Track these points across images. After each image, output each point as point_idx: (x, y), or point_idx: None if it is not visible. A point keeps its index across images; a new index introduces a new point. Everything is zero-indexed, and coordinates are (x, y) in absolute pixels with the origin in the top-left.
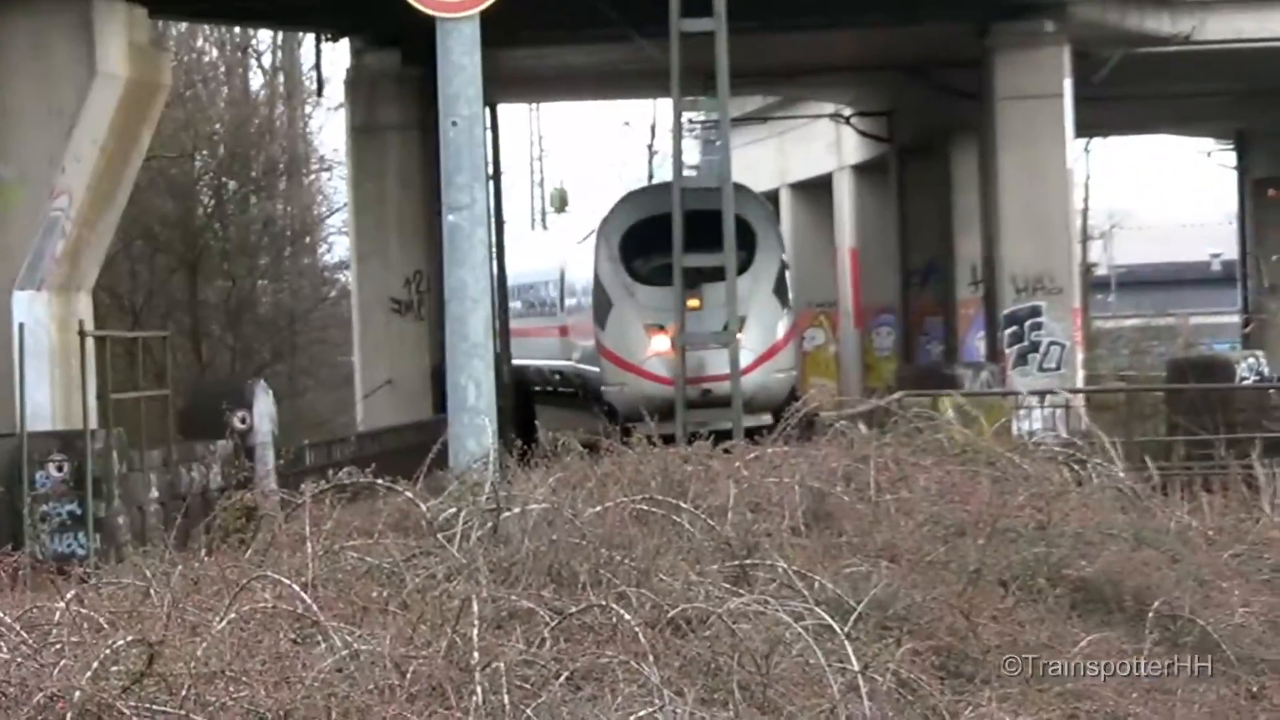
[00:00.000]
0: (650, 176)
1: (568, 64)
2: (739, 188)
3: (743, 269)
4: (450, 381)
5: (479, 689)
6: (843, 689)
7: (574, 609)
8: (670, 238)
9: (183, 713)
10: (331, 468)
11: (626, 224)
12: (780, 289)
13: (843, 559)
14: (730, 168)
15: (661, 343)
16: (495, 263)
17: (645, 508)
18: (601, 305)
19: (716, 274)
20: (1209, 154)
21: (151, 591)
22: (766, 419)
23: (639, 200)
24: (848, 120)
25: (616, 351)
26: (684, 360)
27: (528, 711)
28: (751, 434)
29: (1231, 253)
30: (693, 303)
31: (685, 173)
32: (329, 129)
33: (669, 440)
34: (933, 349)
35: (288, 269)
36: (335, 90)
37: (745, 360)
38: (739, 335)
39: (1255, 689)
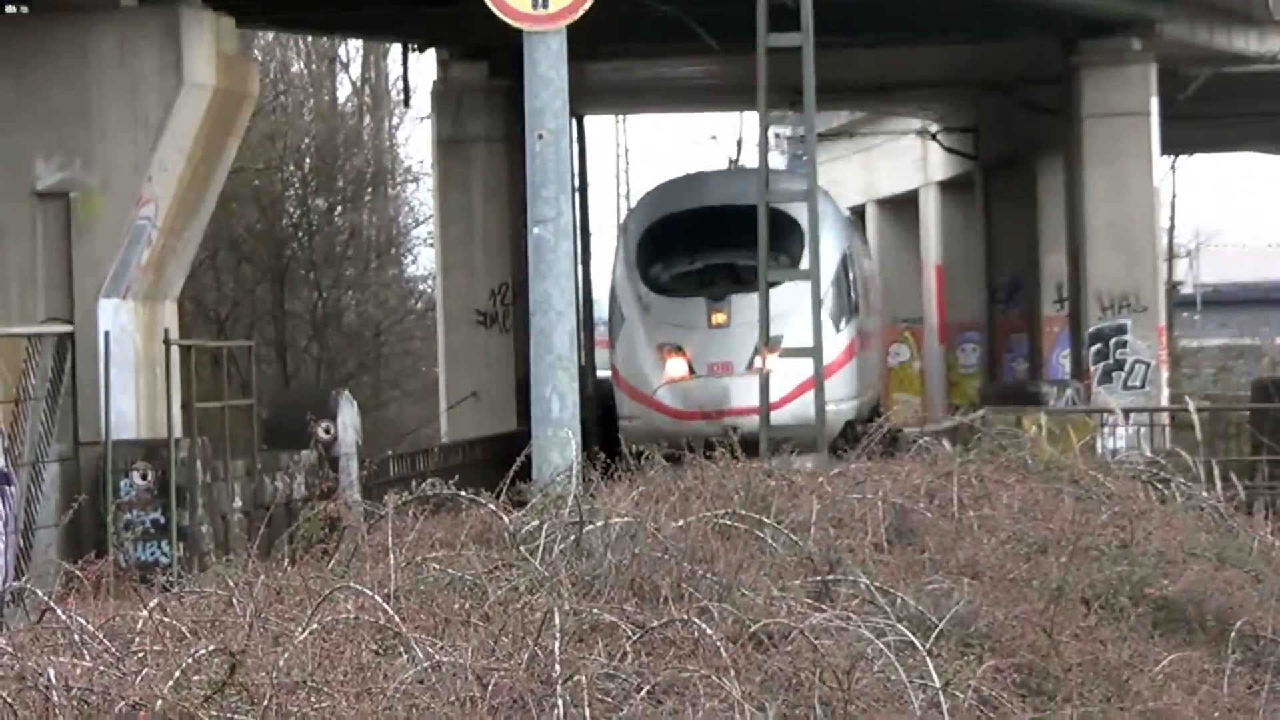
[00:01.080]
0: None
1: (654, 77)
2: (786, 176)
3: (784, 278)
4: (534, 394)
5: (560, 702)
6: (924, 705)
7: (656, 623)
8: (699, 238)
9: None
10: (415, 479)
11: (647, 221)
12: (841, 300)
13: (925, 575)
14: (816, 182)
15: (677, 367)
16: (580, 275)
17: (728, 522)
18: (615, 320)
19: (748, 280)
20: None
21: (234, 601)
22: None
23: (666, 193)
24: (934, 136)
25: (628, 377)
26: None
27: None
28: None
29: None
30: (718, 317)
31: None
32: (415, 140)
33: (673, 460)
34: (1017, 366)
35: (373, 280)
36: (422, 101)
37: (779, 391)
38: (771, 358)
39: None
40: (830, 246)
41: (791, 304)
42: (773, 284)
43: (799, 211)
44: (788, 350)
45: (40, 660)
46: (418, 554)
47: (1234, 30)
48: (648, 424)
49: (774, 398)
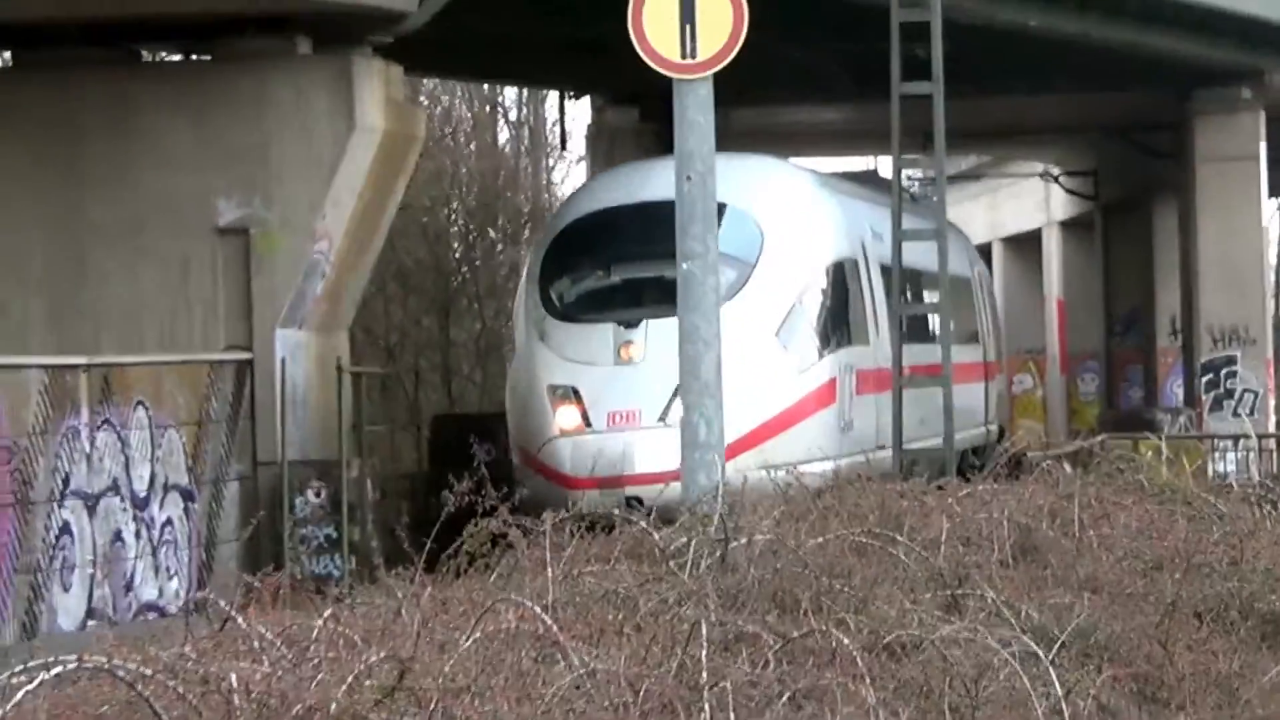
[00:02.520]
0: None
1: (795, 122)
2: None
3: (728, 292)
4: (684, 419)
5: (707, 707)
6: (1046, 713)
7: (797, 633)
8: (623, 245)
9: None
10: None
11: (562, 223)
12: (812, 324)
13: (1047, 590)
14: (945, 221)
15: (568, 417)
16: None
17: (864, 539)
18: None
19: (667, 300)
20: None
21: (403, 611)
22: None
23: (594, 188)
24: (1055, 179)
25: (514, 429)
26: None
27: None
28: None
29: None
30: (628, 350)
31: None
32: (571, 180)
33: (594, 528)
34: (1133, 394)
35: None
36: (577, 144)
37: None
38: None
39: None
40: (806, 243)
41: (731, 328)
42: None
43: (757, 198)
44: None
45: (222, 665)
46: (574, 568)
47: None
48: (535, 491)
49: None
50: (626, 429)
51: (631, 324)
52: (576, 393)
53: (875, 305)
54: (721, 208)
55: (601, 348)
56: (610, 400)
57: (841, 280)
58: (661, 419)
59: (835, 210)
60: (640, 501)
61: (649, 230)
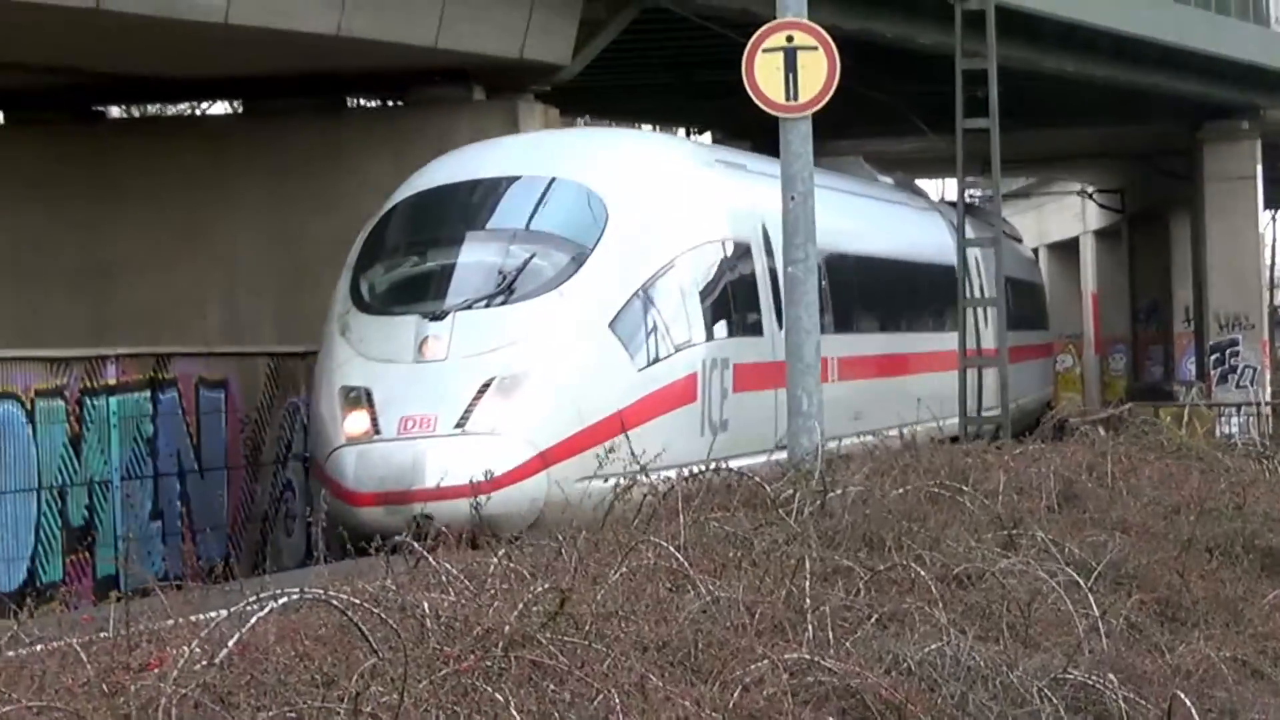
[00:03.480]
0: None
1: (877, 150)
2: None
3: (547, 281)
4: (790, 393)
5: (810, 627)
6: (1086, 630)
7: (882, 567)
8: (446, 230)
9: (586, 643)
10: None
11: (389, 205)
12: (670, 311)
13: (1086, 530)
14: (1001, 232)
15: (357, 423)
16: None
17: (936, 490)
18: None
19: (490, 291)
20: None
21: (562, 551)
22: None
23: (432, 168)
24: (1090, 196)
25: (310, 437)
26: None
27: (846, 644)
28: None
29: None
30: (431, 346)
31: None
32: None
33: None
34: (1155, 371)
35: None
36: None
37: (507, 460)
38: (502, 407)
39: None
40: (643, 224)
41: (528, 327)
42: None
43: (580, 169)
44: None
45: (416, 596)
46: (701, 515)
47: None
48: (329, 507)
49: (509, 465)
50: (419, 436)
51: (437, 316)
52: (369, 395)
53: (770, 292)
54: (553, 183)
55: (402, 344)
56: (404, 404)
57: (724, 266)
58: (460, 425)
59: (720, 190)
60: (431, 520)
61: (474, 212)
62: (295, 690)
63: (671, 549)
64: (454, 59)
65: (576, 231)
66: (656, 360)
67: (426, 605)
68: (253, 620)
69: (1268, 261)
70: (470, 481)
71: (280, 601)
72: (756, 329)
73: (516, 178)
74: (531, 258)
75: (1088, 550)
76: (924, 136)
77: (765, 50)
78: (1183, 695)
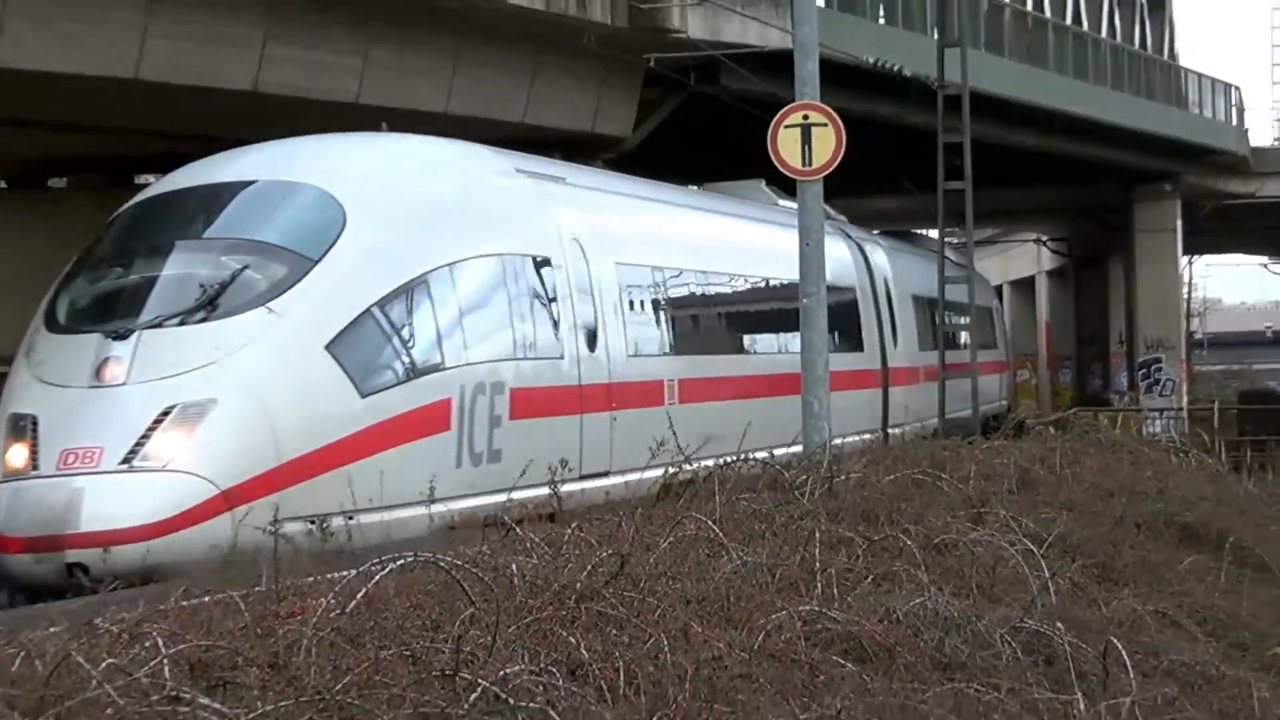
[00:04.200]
0: None
1: (873, 208)
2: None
3: (255, 297)
4: (804, 400)
5: (819, 585)
6: (1039, 588)
7: (876, 538)
8: (158, 241)
9: (640, 597)
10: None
11: (110, 218)
12: (418, 330)
13: (1039, 509)
14: (974, 271)
15: (17, 456)
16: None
17: (920, 476)
18: None
19: (186, 308)
20: (1264, 265)
21: (621, 524)
22: None
23: (169, 177)
24: (1044, 243)
25: None
26: None
27: (848, 599)
28: None
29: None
30: (110, 368)
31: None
32: None
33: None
34: (1095, 383)
35: None
36: None
37: (181, 500)
38: (166, 446)
39: None
40: (387, 241)
41: (225, 349)
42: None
43: (318, 173)
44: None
45: (506, 559)
46: (734, 495)
47: (1230, 179)
48: None
49: (183, 506)
50: (78, 473)
51: (121, 335)
52: (35, 424)
53: (574, 312)
54: (291, 189)
55: (79, 366)
56: (69, 435)
57: (505, 282)
58: (127, 460)
59: (515, 200)
60: (86, 571)
61: (191, 220)
62: (410, 634)
63: (709, 522)
64: (538, 132)
65: (302, 241)
66: (393, 385)
67: (515, 567)
68: (376, 578)
69: (1185, 296)
70: (133, 526)
71: (398, 563)
72: (552, 350)
73: (252, 182)
74: (243, 270)
75: (1040, 525)
76: (912, 195)
77: (786, 126)
78: (1115, 640)
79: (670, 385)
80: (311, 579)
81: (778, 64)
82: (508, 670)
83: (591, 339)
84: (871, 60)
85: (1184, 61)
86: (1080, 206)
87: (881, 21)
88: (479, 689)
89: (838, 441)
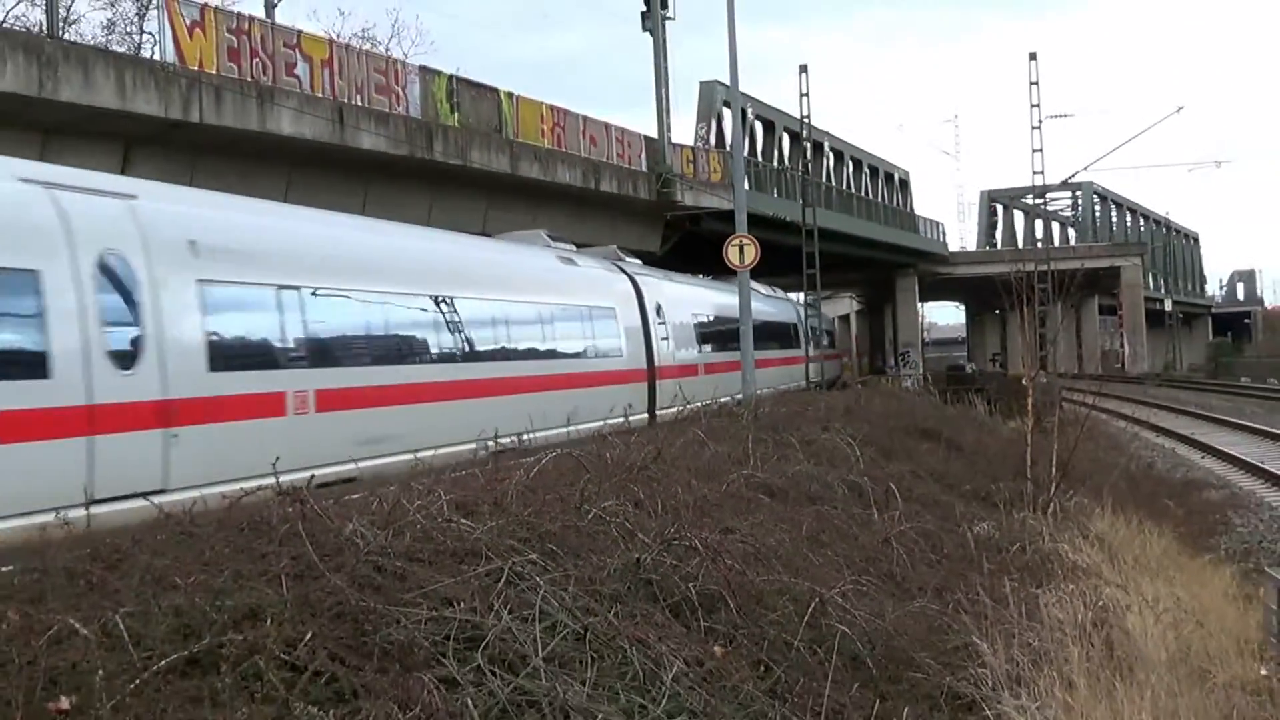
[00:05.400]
0: None
1: (777, 281)
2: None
3: None
4: (744, 375)
5: (751, 459)
6: (854, 460)
7: (777, 438)
8: None
9: (666, 469)
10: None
11: None
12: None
13: (855, 424)
14: (821, 314)
15: None
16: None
17: (799, 408)
18: None
19: None
20: (956, 306)
21: (656, 433)
22: None
23: None
24: (854, 297)
25: None
26: None
27: (765, 467)
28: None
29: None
30: None
31: None
32: None
33: None
34: (880, 363)
35: None
36: None
37: None
38: None
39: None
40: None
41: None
42: None
43: None
44: None
45: (603, 449)
46: (712, 423)
47: (940, 265)
48: None
49: None
50: None
51: None
52: None
53: (64, 331)
54: None
55: None
56: None
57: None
58: None
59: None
60: None
61: None
62: (559, 485)
63: (699, 433)
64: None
65: None
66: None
67: (608, 455)
68: (542, 463)
69: (920, 321)
70: None
71: (551, 455)
72: (34, 371)
73: None
74: None
75: (855, 430)
76: (790, 275)
77: (731, 244)
78: (892, 485)
79: (308, 395)
80: (512, 463)
81: (727, 216)
82: (605, 505)
83: (121, 354)
84: (770, 213)
85: (918, 209)
86: (870, 280)
87: (775, 195)
88: (591, 513)
89: (618, 420)
